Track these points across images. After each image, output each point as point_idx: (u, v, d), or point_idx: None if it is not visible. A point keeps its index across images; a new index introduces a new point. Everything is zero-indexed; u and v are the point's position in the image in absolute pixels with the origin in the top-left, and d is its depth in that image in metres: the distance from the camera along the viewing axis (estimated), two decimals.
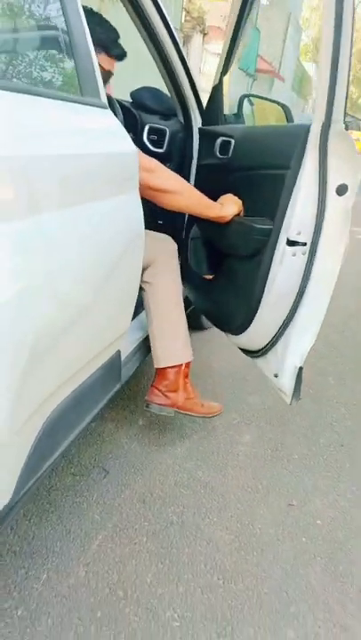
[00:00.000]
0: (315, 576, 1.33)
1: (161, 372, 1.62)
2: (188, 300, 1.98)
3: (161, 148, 1.94)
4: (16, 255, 0.79)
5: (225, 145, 1.67)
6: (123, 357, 1.46)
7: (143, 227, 1.29)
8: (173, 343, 1.61)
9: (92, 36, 1.12)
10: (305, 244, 1.31)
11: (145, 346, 1.68)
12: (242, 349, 1.69)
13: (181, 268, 1.68)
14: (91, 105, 1.11)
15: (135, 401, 1.97)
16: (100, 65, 1.40)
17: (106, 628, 1.14)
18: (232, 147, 1.61)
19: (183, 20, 6.95)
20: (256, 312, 1.45)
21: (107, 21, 1.47)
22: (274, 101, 2.24)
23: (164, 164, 1.46)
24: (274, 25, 13.81)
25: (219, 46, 9.05)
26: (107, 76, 1.50)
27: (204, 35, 7.65)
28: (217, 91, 1.88)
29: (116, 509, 1.47)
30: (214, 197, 1.52)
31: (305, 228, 1.30)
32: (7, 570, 1.24)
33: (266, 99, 2.34)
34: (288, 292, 1.38)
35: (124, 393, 2.01)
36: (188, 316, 1.72)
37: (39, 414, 0.97)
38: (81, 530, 1.38)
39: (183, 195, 1.44)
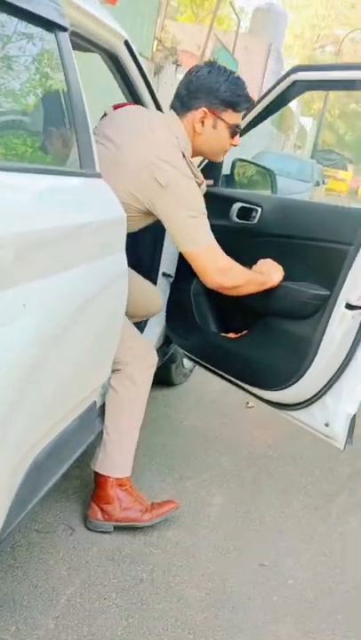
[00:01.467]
0: (285, 632, 1.58)
1: (96, 476, 1.86)
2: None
3: None
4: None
5: (246, 210, 2.08)
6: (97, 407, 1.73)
7: (127, 284, 1.60)
8: (114, 454, 1.84)
9: (216, 94, 1.61)
10: (360, 308, 1.77)
11: None
12: (274, 403, 2.03)
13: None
14: (88, 176, 1.44)
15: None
16: (224, 121, 1.74)
17: None
18: (259, 214, 2.04)
19: (155, 49, 7.62)
20: (309, 368, 1.84)
21: (230, 73, 1.75)
22: (262, 167, 2.65)
23: None
24: (253, 55, 15.02)
25: None
26: (234, 131, 1.79)
27: (178, 66, 8.37)
28: (218, 165, 2.25)
29: (84, 566, 1.69)
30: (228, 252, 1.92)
31: None
32: None
33: (255, 164, 2.76)
34: (344, 349, 1.81)
35: (92, 450, 2.26)
36: (158, 370, 2.02)
37: (24, 461, 1.22)
38: (48, 585, 1.60)
39: (247, 285, 1.83)
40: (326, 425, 1.89)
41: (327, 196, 18.41)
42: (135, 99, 2.06)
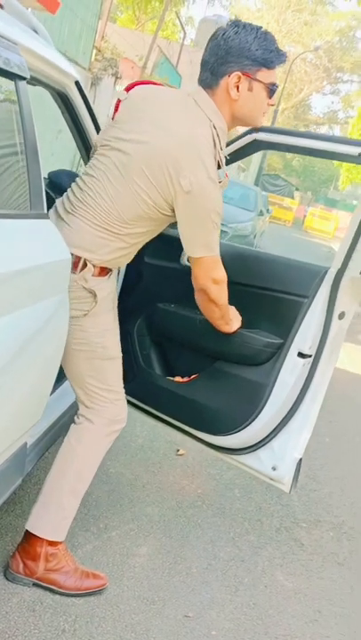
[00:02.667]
0: None
1: (26, 532, 2.02)
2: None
3: None
4: None
5: None
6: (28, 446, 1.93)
7: (67, 324, 1.83)
8: (51, 514, 2.00)
9: (248, 54, 1.76)
10: (311, 356, 2.11)
11: (50, 435, 2.15)
12: (220, 448, 2.29)
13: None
14: (36, 218, 1.67)
15: (22, 505, 2.39)
16: (260, 81, 1.81)
17: None
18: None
19: (93, 59, 7.95)
20: (260, 413, 2.15)
21: (258, 28, 1.80)
22: None
23: None
24: (198, 69, 15.64)
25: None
26: (271, 90, 1.86)
27: (117, 78, 8.74)
28: None
29: (4, 617, 1.86)
30: (171, 299, 2.14)
31: (314, 344, 2.11)
32: None
33: None
34: (293, 395, 2.14)
35: (14, 497, 2.42)
36: None
37: None
38: None
39: (222, 309, 2.04)
40: (274, 469, 2.20)
41: (271, 224, 19.25)
42: (83, 139, 2.32)
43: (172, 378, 2.46)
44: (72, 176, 2.73)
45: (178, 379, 2.44)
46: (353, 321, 2.31)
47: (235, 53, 1.78)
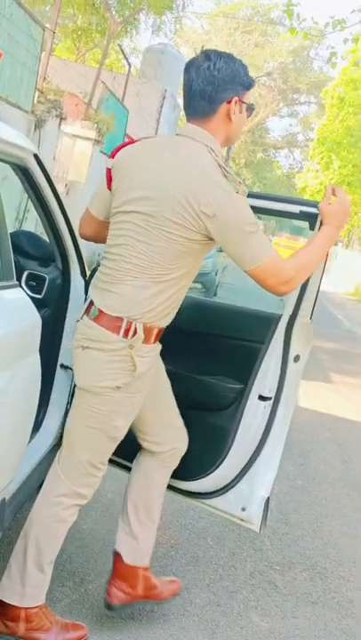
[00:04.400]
0: None
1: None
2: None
3: (40, 294, 2.87)
4: None
5: None
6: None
7: (39, 382, 2.16)
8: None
9: (239, 81, 2.10)
10: (271, 398, 2.45)
11: (25, 490, 2.45)
12: (190, 493, 2.62)
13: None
14: (6, 288, 2.01)
15: None
16: (246, 103, 2.15)
17: None
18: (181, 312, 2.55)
19: (35, 101, 8.39)
20: (226, 457, 2.49)
21: (234, 56, 2.15)
22: None
23: (40, 311, 2.37)
24: (146, 102, 16.40)
25: (76, 127, 10.74)
26: (250, 109, 2.19)
27: (62, 119, 9.21)
28: None
29: None
30: None
31: (273, 387, 2.45)
32: None
33: None
34: (257, 437, 2.47)
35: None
36: None
37: None
38: None
39: (302, 273, 2.20)
40: (243, 509, 2.53)
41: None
42: (45, 210, 2.68)
43: None
44: (31, 237, 3.10)
45: None
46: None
47: (230, 81, 2.11)
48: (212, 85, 2.11)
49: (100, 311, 2.13)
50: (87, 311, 2.19)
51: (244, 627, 2.65)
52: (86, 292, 2.92)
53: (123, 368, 2.14)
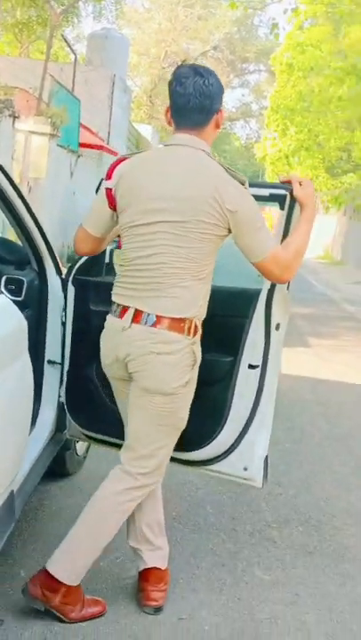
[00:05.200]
0: None
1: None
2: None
3: (20, 296, 3.02)
4: None
5: None
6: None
7: (31, 381, 2.33)
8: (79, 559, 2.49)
9: (222, 93, 2.36)
10: (259, 366, 2.68)
11: (32, 476, 2.62)
12: (195, 462, 2.81)
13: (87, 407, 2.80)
14: None
15: (12, 553, 2.84)
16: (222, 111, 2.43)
17: None
18: None
19: None
20: (224, 425, 2.72)
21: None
22: None
23: (22, 312, 2.53)
24: (96, 89, 16.41)
25: (30, 123, 10.79)
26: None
27: (15, 117, 9.28)
28: (102, 254, 3.05)
29: None
30: None
31: (260, 355, 2.67)
32: None
33: None
34: (250, 402, 2.71)
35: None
36: (52, 460, 2.71)
37: None
38: None
39: (298, 258, 2.45)
40: (245, 469, 2.77)
41: None
42: (14, 216, 2.83)
43: None
44: (4, 243, 3.26)
45: None
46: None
47: (219, 94, 2.40)
48: (208, 99, 2.37)
49: (158, 316, 2.33)
50: (137, 319, 2.36)
51: (249, 582, 2.86)
52: (64, 290, 3.08)
53: (187, 364, 2.40)
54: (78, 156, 14.05)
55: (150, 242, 2.35)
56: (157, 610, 2.60)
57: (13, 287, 3.02)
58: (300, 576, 2.95)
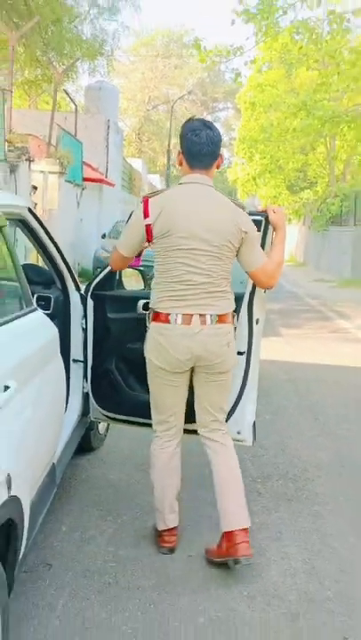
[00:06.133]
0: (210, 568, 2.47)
1: (238, 530, 2.59)
2: None
3: (49, 309, 3.17)
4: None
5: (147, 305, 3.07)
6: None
7: (65, 375, 2.48)
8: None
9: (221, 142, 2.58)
10: (245, 352, 2.87)
11: (67, 451, 2.78)
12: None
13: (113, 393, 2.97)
14: (30, 312, 2.32)
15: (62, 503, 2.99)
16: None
17: None
18: None
19: (7, 151, 8.59)
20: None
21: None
22: (135, 269, 3.65)
23: (52, 320, 2.70)
24: (94, 133, 16.54)
25: (42, 164, 10.91)
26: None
27: (30, 161, 9.42)
28: (114, 272, 3.20)
29: (67, 585, 2.47)
30: (133, 339, 2.91)
31: (245, 344, 2.88)
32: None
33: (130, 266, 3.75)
34: (240, 381, 2.91)
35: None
36: (81, 440, 2.89)
37: (33, 489, 2.05)
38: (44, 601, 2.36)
39: (279, 269, 2.69)
40: (238, 432, 2.94)
41: None
42: (42, 246, 2.98)
43: None
44: (33, 267, 3.40)
45: None
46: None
47: (220, 143, 2.63)
48: (216, 147, 2.60)
49: (219, 315, 2.58)
50: (203, 322, 2.55)
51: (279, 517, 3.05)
52: (82, 302, 3.23)
53: (233, 338, 2.69)
54: (83, 189, 14.16)
55: (200, 262, 2.53)
56: (171, 550, 2.75)
57: (43, 303, 3.17)
58: (281, 518, 3.11)
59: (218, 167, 2.66)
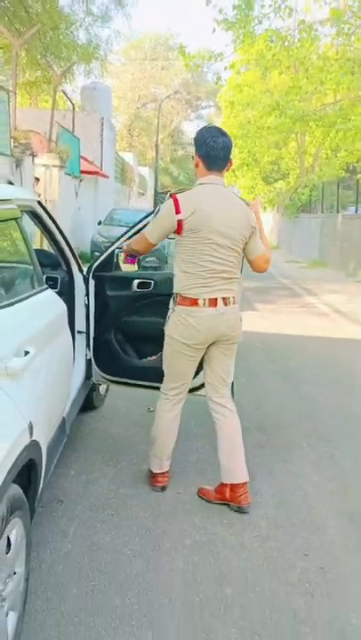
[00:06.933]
0: (196, 503, 2.66)
1: (239, 484, 2.78)
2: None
3: (56, 288, 3.29)
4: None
5: (144, 284, 3.23)
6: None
7: (72, 344, 2.62)
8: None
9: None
10: None
11: (74, 408, 2.93)
12: (191, 390, 3.05)
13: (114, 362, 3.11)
14: (41, 291, 2.45)
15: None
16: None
17: None
18: (153, 284, 3.21)
19: (13, 147, 8.58)
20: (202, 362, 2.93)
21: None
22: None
23: (60, 297, 2.84)
24: (90, 129, 16.40)
25: (44, 159, 10.87)
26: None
27: (34, 156, 9.40)
28: (112, 256, 3.30)
29: (76, 517, 2.64)
30: (129, 313, 3.12)
31: None
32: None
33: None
34: None
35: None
36: (85, 399, 3.06)
37: (49, 435, 2.21)
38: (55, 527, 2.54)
39: (269, 252, 2.85)
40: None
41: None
42: (50, 234, 3.09)
43: (147, 359, 3.30)
44: (42, 252, 3.52)
45: (150, 358, 3.28)
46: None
47: (232, 149, 2.71)
48: (229, 152, 2.70)
49: (234, 297, 2.75)
50: (225, 304, 2.70)
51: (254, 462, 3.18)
52: (85, 282, 3.35)
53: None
54: (80, 181, 14.11)
55: (221, 254, 2.66)
56: (163, 489, 2.93)
57: (51, 283, 3.29)
58: (256, 463, 3.30)
59: (228, 170, 2.75)
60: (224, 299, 2.71)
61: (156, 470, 2.94)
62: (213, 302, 2.69)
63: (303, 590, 2.25)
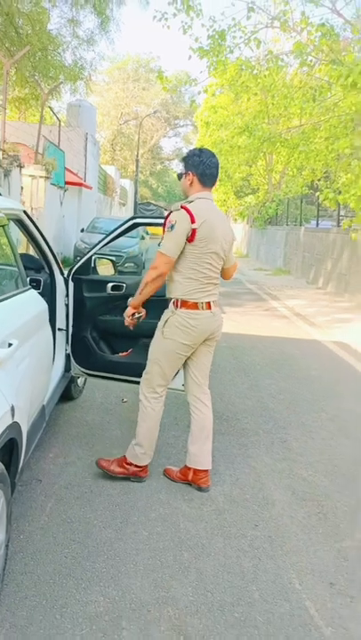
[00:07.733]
0: (160, 482, 2.78)
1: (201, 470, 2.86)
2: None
3: (39, 289, 3.38)
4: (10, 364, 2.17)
5: (117, 286, 3.35)
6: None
7: (52, 340, 2.72)
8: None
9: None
10: None
11: (53, 397, 3.02)
12: None
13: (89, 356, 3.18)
14: (24, 291, 2.54)
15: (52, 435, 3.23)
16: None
17: None
18: (125, 287, 3.32)
19: (2, 158, 8.57)
20: None
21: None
22: (107, 258, 3.88)
23: (42, 297, 2.93)
24: (74, 144, 16.39)
25: (31, 170, 10.86)
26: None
27: (21, 167, 9.40)
28: (90, 261, 3.42)
29: (55, 494, 2.73)
30: (104, 313, 3.23)
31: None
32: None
33: (104, 256, 3.97)
34: None
35: None
36: (64, 390, 3.17)
37: (29, 416, 2.30)
38: (34, 502, 2.63)
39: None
40: (183, 385, 3.09)
41: (152, 241, 20.28)
42: (34, 241, 3.17)
43: (119, 355, 3.40)
44: (26, 256, 3.60)
45: (122, 354, 3.39)
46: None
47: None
48: (219, 171, 2.83)
49: (217, 300, 2.85)
50: (215, 306, 2.81)
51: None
52: (65, 284, 3.44)
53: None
54: (65, 191, 14.10)
55: (216, 262, 2.79)
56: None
57: (35, 284, 3.38)
58: (216, 448, 3.40)
59: (214, 187, 2.84)
60: (214, 302, 2.83)
61: (144, 463, 2.91)
62: (208, 305, 2.79)
63: (252, 555, 2.39)
